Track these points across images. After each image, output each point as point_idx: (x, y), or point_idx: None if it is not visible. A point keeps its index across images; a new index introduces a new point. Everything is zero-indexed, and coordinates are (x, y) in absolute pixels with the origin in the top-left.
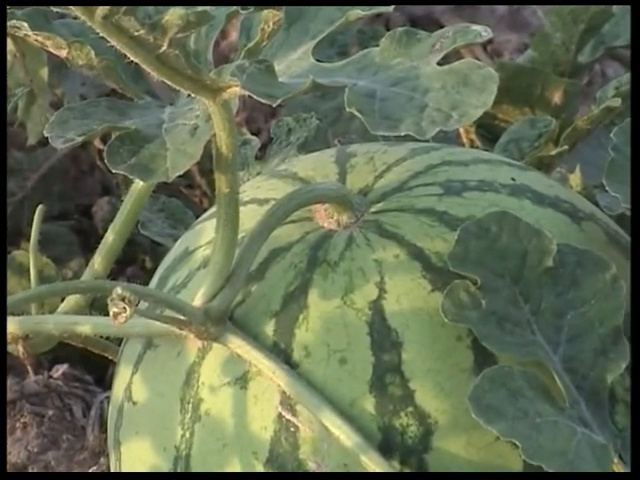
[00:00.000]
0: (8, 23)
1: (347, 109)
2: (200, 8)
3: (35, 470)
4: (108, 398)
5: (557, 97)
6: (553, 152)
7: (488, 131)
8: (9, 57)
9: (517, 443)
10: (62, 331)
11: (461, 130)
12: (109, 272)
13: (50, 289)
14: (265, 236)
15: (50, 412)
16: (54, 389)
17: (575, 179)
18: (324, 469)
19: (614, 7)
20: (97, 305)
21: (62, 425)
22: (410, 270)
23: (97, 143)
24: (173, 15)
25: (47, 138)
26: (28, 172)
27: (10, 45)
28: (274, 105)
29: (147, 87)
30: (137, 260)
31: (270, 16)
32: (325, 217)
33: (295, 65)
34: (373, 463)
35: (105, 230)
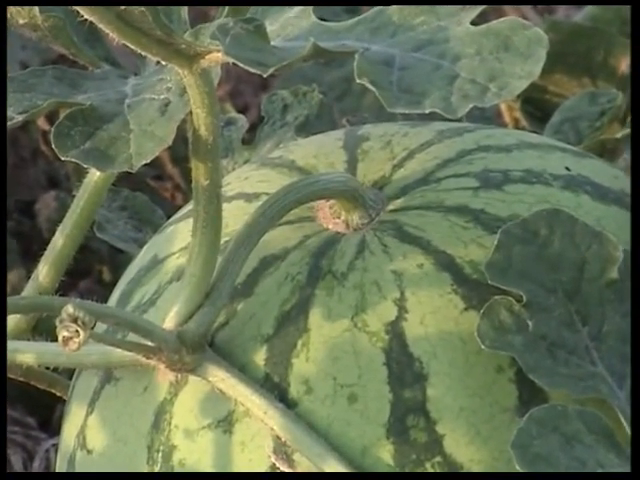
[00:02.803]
0: None
1: (357, 80)
2: None
3: None
4: (55, 446)
5: (624, 64)
6: (619, 134)
7: (537, 108)
8: None
9: None
10: None
11: (502, 107)
12: (57, 286)
13: None
14: (254, 241)
15: None
16: None
17: None
18: None
19: None
20: (42, 328)
21: None
22: (438, 283)
23: (42, 123)
24: None
25: None
26: None
27: None
28: (265, 75)
29: (105, 52)
30: (92, 271)
31: None
32: (330, 217)
33: (292, 25)
34: None
35: (52, 233)
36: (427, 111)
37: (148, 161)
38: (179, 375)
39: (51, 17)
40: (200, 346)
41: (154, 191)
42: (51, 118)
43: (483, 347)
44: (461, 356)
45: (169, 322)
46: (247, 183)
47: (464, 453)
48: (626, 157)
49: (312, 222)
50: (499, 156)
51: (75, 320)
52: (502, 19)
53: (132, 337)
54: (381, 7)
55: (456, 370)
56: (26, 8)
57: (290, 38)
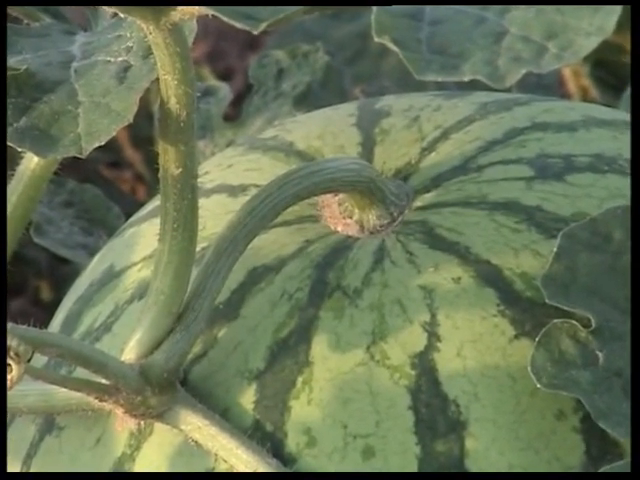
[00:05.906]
0: None
1: (375, 38)
2: None
3: None
4: None
5: None
6: None
7: (610, 73)
8: None
9: None
10: None
11: (565, 72)
12: None
13: None
14: (240, 247)
15: None
16: None
17: None
18: None
19: None
20: None
21: None
22: (480, 303)
23: None
24: None
25: None
26: None
27: None
28: (256, 32)
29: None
30: (28, 287)
31: None
32: (339, 216)
33: None
34: None
35: None
36: (466, 79)
37: (102, 143)
38: (142, 422)
39: None
40: (169, 384)
41: (109, 182)
42: None
43: (539, 386)
44: (510, 398)
45: (129, 353)
46: (231, 172)
47: None
48: None
49: (316, 223)
50: (560, 137)
51: (7, 351)
52: None
53: (81, 373)
54: None
55: (504, 416)
56: None
57: None
